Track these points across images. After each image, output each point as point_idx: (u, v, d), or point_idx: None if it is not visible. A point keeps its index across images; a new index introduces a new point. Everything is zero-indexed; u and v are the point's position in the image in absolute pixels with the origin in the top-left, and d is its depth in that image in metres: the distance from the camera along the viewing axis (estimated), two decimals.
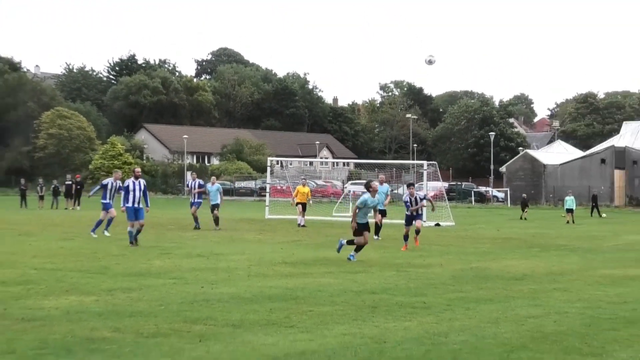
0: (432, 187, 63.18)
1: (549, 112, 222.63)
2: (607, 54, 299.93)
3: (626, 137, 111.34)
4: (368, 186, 25.14)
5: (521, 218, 58.44)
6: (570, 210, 54.76)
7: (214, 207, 39.20)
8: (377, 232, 33.66)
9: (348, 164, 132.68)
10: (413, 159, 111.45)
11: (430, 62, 27.55)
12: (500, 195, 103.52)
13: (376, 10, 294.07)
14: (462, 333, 12.84)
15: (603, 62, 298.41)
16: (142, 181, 29.91)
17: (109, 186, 32.55)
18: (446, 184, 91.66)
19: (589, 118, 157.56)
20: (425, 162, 55.96)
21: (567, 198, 56.45)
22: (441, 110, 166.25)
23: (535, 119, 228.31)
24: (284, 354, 11.02)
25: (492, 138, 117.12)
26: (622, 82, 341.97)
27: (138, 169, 30.92)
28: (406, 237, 29.70)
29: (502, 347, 11.76)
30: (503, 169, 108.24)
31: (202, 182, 40.88)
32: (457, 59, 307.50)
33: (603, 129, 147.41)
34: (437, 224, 46.83)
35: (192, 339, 11.89)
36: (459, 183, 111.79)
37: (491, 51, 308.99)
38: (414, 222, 30.48)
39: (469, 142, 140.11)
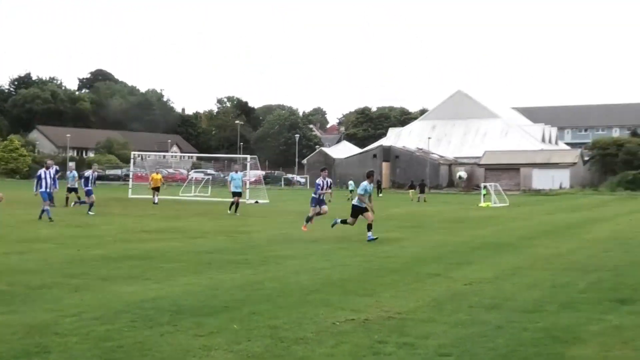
0: (254, 174, 63.11)
1: (338, 120, 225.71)
2: (379, 76, 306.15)
3: (391, 139, 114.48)
4: (369, 175, 22.45)
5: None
6: (351, 192, 56.49)
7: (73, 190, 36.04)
8: (235, 209, 33.22)
9: (192, 157, 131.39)
10: (240, 154, 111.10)
11: (460, 178, 25.49)
12: (302, 180, 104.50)
13: (221, 36, 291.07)
14: (273, 281, 12.84)
15: (376, 83, 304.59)
16: (52, 170, 28.43)
17: (42, 175, 29.07)
18: (264, 172, 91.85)
19: (365, 125, 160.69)
20: (248, 156, 55.82)
21: (349, 182, 58.58)
22: (261, 118, 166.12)
23: (328, 125, 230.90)
24: (140, 299, 10.76)
25: (297, 139, 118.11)
26: (389, 99, 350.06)
27: (50, 161, 29.21)
28: (309, 219, 25.19)
29: (302, 291, 11.82)
30: (304, 161, 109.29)
31: (57, 168, 36.60)
32: (278, 75, 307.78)
33: (375, 133, 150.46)
34: (256, 202, 46.81)
35: (70, 290, 11.48)
36: (273, 171, 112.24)
37: (295, 72, 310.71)
38: (320, 206, 25.76)
39: (280, 141, 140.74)
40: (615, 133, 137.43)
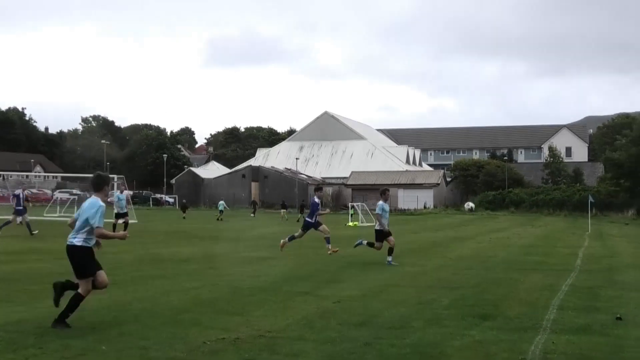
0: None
1: (206, 140, 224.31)
2: (248, 96, 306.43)
3: (259, 159, 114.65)
4: (383, 192, 21.08)
5: (184, 218, 58.34)
6: (221, 212, 56.52)
7: None
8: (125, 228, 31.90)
9: (56, 176, 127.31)
10: (107, 174, 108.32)
11: (471, 210, 23.86)
12: (171, 200, 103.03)
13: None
14: (142, 301, 12.61)
15: (245, 103, 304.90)
16: None
17: None
18: (131, 192, 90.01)
19: (234, 145, 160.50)
20: (115, 176, 54.59)
21: (220, 203, 58.53)
22: (127, 137, 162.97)
23: (196, 145, 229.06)
24: (3, 322, 10.34)
25: (165, 159, 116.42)
26: (257, 119, 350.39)
27: None
28: (328, 240, 23.39)
29: (171, 311, 11.65)
30: (173, 181, 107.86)
31: None
32: (141, 98, 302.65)
33: (244, 153, 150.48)
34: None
35: None
36: (141, 191, 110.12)
37: (163, 91, 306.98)
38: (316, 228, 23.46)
39: (148, 161, 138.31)
40: (475, 155, 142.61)
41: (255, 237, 33.80)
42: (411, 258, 22.67)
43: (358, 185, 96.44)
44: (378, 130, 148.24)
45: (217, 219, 54.43)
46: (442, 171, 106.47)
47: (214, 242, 29.37)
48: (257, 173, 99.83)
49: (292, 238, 23.23)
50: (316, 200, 23.70)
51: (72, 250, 10.17)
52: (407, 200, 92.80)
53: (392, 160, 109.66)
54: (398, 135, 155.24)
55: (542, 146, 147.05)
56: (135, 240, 29.81)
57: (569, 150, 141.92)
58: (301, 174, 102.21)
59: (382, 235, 20.59)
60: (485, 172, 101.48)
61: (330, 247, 23.23)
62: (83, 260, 10.14)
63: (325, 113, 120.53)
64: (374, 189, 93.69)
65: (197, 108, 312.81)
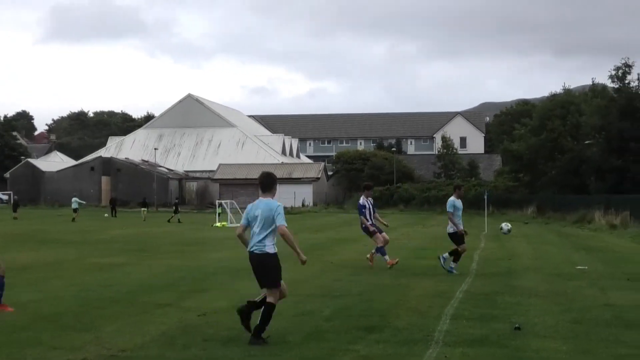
0: None
1: (47, 127, 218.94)
2: (96, 76, 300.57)
3: (111, 149, 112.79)
4: (457, 187, 20.95)
5: (15, 218, 56.31)
6: (75, 210, 55.13)
7: None
8: None
9: None
10: None
11: (508, 231, 22.19)
12: (5, 197, 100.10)
13: None
14: None
15: (94, 84, 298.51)
16: None
17: None
18: None
19: (81, 133, 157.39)
20: None
21: (73, 199, 57.10)
22: None
23: (36, 132, 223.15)
24: None
25: None
26: (109, 103, 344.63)
27: None
28: (381, 251, 21.51)
29: (7, 329, 11.38)
30: (7, 174, 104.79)
31: None
32: None
33: (93, 142, 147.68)
34: None
35: None
36: None
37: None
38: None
39: None
40: (360, 146, 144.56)
41: (107, 239, 33.26)
42: (288, 263, 22.73)
43: (227, 180, 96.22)
44: (250, 116, 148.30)
45: (73, 220, 53.08)
46: (323, 164, 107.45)
47: (58, 247, 28.75)
48: (109, 165, 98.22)
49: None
50: (360, 202, 22.12)
51: (266, 258, 10.85)
52: (283, 197, 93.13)
53: (266, 151, 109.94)
54: (273, 123, 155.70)
55: (434, 136, 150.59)
56: None
57: (463, 141, 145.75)
58: (160, 166, 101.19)
59: (457, 237, 20.15)
60: (371, 165, 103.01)
61: (388, 259, 21.50)
62: (277, 267, 11.02)
63: (189, 96, 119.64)
64: (246, 185, 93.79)
65: (36, 89, 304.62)
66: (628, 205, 43.57)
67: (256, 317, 10.88)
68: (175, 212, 56.52)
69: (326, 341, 10.80)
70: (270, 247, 10.86)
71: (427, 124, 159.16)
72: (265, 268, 10.90)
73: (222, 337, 11.02)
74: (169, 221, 53.50)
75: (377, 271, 20.44)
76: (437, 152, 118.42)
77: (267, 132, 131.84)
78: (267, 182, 11.19)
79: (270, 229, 10.84)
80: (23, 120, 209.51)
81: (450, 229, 20.43)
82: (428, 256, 25.47)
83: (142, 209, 62.36)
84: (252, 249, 10.91)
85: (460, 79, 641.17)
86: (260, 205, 10.99)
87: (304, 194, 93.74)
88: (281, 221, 10.78)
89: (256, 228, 10.89)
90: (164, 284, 17.27)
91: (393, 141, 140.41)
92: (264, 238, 10.85)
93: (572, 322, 12.53)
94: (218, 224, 48.50)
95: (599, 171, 59.92)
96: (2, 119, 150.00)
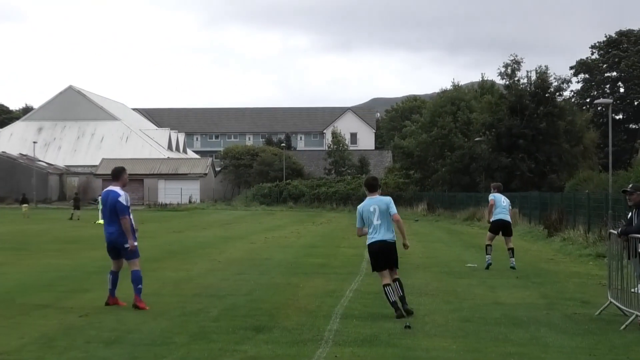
0: None
1: None
2: None
3: None
4: (496, 187, 22.38)
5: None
6: None
7: None
8: None
9: None
10: None
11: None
12: None
13: None
14: None
15: None
16: None
17: None
18: None
19: None
20: None
21: None
22: None
23: None
24: None
25: None
26: None
27: None
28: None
29: None
30: None
31: None
32: None
33: None
34: None
35: None
36: None
37: None
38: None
39: None
40: (249, 141, 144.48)
41: None
42: (173, 262, 22.64)
43: (110, 175, 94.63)
44: (134, 109, 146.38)
45: None
46: (210, 159, 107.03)
47: None
48: None
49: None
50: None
51: (392, 245, 13.39)
52: (169, 193, 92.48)
53: (152, 146, 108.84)
54: (158, 116, 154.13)
55: (325, 131, 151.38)
56: None
57: (354, 137, 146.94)
58: (40, 161, 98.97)
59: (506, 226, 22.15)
60: (260, 160, 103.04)
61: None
62: (397, 253, 13.52)
63: (70, 88, 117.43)
64: (131, 180, 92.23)
65: None
66: (517, 202, 44.65)
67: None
68: (76, 208, 53.93)
69: (213, 342, 10.76)
70: (393, 236, 13.34)
71: (317, 119, 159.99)
72: (392, 255, 13.35)
73: (105, 338, 10.87)
74: (70, 219, 51.74)
75: (265, 270, 20.47)
76: (327, 148, 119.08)
77: (153, 126, 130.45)
78: (374, 184, 13.81)
79: (387, 220, 13.31)
80: None
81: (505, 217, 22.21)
82: (318, 254, 25.65)
83: (23, 205, 60.19)
84: (381, 239, 13.23)
85: (351, 73, 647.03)
86: (372, 202, 13.44)
87: (190, 191, 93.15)
88: (394, 211, 13.38)
89: (377, 221, 13.31)
90: (43, 283, 16.96)
91: (282, 136, 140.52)
92: (387, 229, 13.31)
93: (462, 320, 12.80)
94: (100, 221, 47.70)
95: (489, 169, 61.22)
96: None
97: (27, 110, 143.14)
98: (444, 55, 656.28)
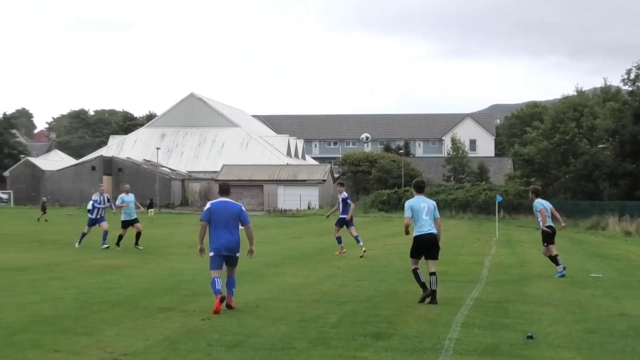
0: None
1: (48, 125, 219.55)
2: (97, 74, 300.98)
3: (113, 149, 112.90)
4: (537, 192, 23.35)
5: (39, 220, 54.33)
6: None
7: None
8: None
9: None
10: None
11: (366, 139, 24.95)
12: (5, 196, 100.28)
13: None
14: None
15: (92, 81, 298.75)
16: None
17: None
18: None
19: (82, 131, 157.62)
20: None
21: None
22: None
23: (36, 131, 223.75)
24: None
25: None
26: (110, 101, 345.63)
27: None
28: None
29: (5, 330, 11.38)
30: (7, 173, 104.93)
31: None
32: None
33: (93, 141, 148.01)
34: None
35: None
36: None
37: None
38: None
39: None
40: (367, 147, 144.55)
41: (109, 240, 33.22)
42: (292, 267, 22.77)
43: (231, 181, 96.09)
44: (254, 116, 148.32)
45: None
46: (329, 165, 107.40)
47: (58, 247, 28.77)
48: (110, 165, 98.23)
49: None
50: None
51: (435, 238, 15.58)
52: (288, 199, 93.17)
53: (271, 152, 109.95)
54: (277, 123, 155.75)
55: (443, 138, 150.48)
56: None
57: (473, 143, 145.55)
58: (163, 166, 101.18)
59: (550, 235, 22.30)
60: (378, 167, 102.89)
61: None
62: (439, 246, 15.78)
63: (191, 95, 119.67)
64: (251, 186, 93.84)
65: (36, 86, 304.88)
66: None
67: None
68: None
69: (333, 348, 10.77)
70: (435, 231, 15.48)
71: (435, 125, 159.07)
72: (434, 245, 15.53)
73: (227, 341, 11.00)
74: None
75: (384, 277, 20.41)
76: (446, 155, 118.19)
77: (272, 133, 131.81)
78: (422, 186, 16.10)
79: (432, 217, 15.49)
80: (23, 118, 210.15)
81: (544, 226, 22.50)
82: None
83: (149, 210, 61.16)
84: (429, 231, 15.41)
85: (470, 80, 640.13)
86: (422, 201, 15.64)
87: (309, 196, 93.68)
88: (438, 216, 15.73)
89: (425, 217, 15.40)
90: (167, 287, 17.27)
91: (401, 143, 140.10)
92: (431, 225, 15.44)
93: (586, 331, 12.49)
94: None
95: (612, 176, 59.78)
96: (1, 116, 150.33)
97: (150, 117, 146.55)
98: (566, 61, 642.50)
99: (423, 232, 15.46)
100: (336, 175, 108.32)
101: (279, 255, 26.95)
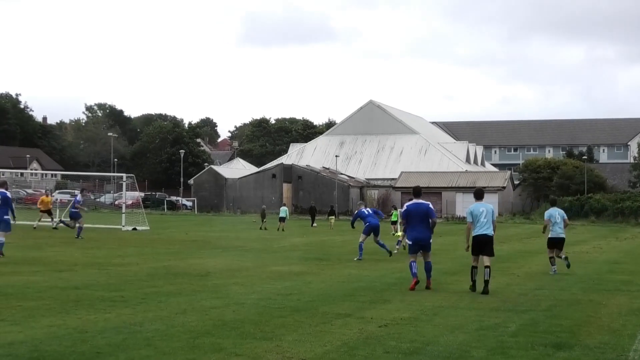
0: (130, 196, 62.36)
1: (230, 134, 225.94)
2: (278, 83, 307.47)
3: (292, 156, 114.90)
4: (553, 201, 25.50)
5: (260, 228, 53.79)
6: (282, 219, 53.42)
7: None
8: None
9: (55, 174, 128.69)
10: (114, 172, 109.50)
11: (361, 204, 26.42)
12: (189, 203, 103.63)
13: (73, 31, 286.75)
14: (155, 322, 12.70)
15: (275, 91, 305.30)
16: None
17: None
18: (142, 194, 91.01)
19: (263, 140, 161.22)
20: (124, 175, 55.11)
21: (282, 208, 55.43)
22: (138, 130, 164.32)
23: (219, 139, 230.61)
24: None
25: (182, 155, 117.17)
26: (290, 110, 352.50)
27: None
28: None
29: (189, 334, 11.71)
30: (191, 181, 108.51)
31: None
32: (154, 83, 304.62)
33: (274, 149, 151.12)
34: (134, 229, 46.14)
35: None
36: (154, 193, 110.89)
37: (180, 76, 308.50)
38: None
39: (162, 157, 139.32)
40: (549, 153, 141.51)
41: (288, 247, 33.89)
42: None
43: (409, 188, 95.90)
44: (432, 123, 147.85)
45: (278, 229, 51.67)
46: (509, 172, 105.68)
47: (239, 254, 29.48)
48: (290, 173, 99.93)
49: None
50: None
51: (491, 238, 18.54)
52: (467, 206, 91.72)
53: (450, 159, 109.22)
54: (456, 130, 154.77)
55: (629, 143, 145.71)
56: (146, 250, 30.10)
57: None
58: (342, 174, 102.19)
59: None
60: (560, 173, 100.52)
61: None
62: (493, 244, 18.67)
63: (370, 102, 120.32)
64: (429, 193, 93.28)
65: (220, 96, 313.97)
66: None
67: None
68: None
69: (512, 357, 10.61)
70: (492, 232, 18.51)
71: (621, 130, 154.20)
72: (489, 244, 18.27)
73: (404, 349, 10.99)
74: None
75: (566, 285, 19.97)
76: (632, 161, 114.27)
77: (451, 139, 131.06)
78: (481, 193, 19.62)
79: (490, 220, 18.41)
80: (207, 127, 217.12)
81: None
82: (622, 271, 24.68)
83: (330, 217, 61.60)
84: (484, 232, 18.25)
85: None
86: (481, 206, 18.73)
87: (489, 204, 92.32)
88: (494, 217, 18.71)
89: (483, 219, 18.28)
90: (345, 293, 17.41)
91: (584, 148, 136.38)
92: (489, 227, 18.33)
93: None
94: (399, 233, 48.39)
95: None
96: (187, 126, 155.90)
97: (329, 125, 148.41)
98: None
99: (479, 233, 18.27)
100: (516, 182, 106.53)
101: (457, 263, 26.78)
